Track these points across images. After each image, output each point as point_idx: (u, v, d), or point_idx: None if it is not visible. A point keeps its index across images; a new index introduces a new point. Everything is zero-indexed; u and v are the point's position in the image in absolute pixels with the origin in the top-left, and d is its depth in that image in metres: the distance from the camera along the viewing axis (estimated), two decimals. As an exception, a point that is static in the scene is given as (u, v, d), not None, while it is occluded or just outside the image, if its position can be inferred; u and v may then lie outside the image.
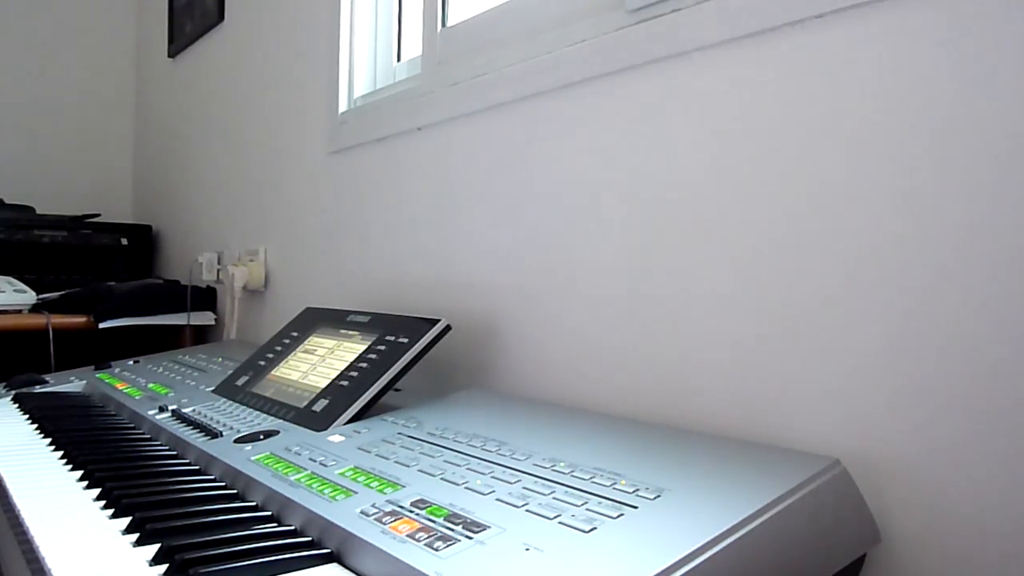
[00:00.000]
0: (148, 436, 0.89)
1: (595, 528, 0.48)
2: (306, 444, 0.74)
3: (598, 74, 0.88)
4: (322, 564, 0.51)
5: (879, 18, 0.64)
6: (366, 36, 1.38)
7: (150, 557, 0.52)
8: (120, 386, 1.14)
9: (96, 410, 1.05)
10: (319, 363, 0.96)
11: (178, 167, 2.18)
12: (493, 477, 0.59)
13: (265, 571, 0.50)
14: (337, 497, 0.58)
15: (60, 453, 0.81)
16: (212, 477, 0.71)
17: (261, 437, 0.78)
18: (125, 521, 0.58)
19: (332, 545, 0.53)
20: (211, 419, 0.88)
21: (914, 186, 0.61)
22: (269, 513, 0.61)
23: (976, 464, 0.57)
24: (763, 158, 0.72)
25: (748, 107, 0.73)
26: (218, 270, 1.79)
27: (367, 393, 0.83)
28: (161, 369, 1.26)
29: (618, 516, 0.50)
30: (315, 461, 0.68)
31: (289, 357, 1.03)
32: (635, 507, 0.51)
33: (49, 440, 0.87)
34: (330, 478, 0.63)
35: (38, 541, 0.54)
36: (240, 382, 1.02)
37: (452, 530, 0.50)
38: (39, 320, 1.57)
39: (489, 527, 0.50)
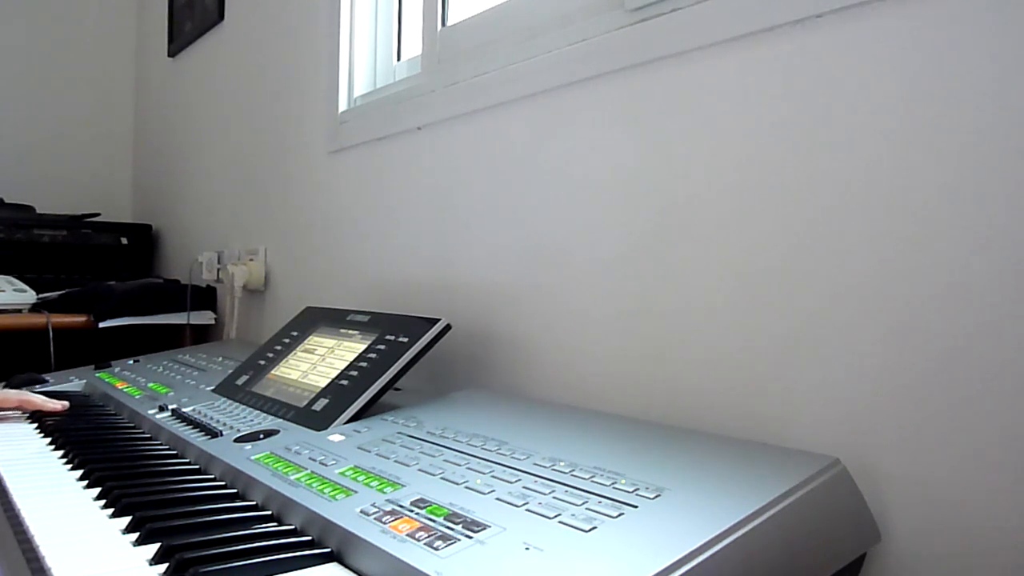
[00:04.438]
0: (148, 435, 0.89)
1: (595, 527, 0.48)
2: (306, 443, 0.74)
3: (598, 74, 0.88)
4: (322, 563, 0.51)
5: (879, 17, 0.64)
6: (366, 36, 1.38)
7: (150, 556, 0.52)
8: (120, 385, 1.14)
9: (96, 409, 1.05)
10: (319, 362, 0.96)
11: (178, 167, 2.18)
12: (493, 476, 0.59)
13: (265, 570, 0.50)
14: (337, 496, 0.58)
15: (60, 452, 0.81)
16: (212, 476, 0.71)
17: (261, 436, 0.78)
18: (125, 520, 0.58)
19: (332, 544, 0.53)
20: (211, 418, 0.88)
21: (914, 186, 0.61)
22: (269, 512, 0.61)
23: (976, 463, 0.57)
24: (763, 157, 0.72)
25: (748, 107, 0.73)
26: (218, 270, 1.79)
27: (367, 392, 0.83)
28: (161, 368, 1.26)
29: (618, 515, 0.50)
30: (315, 460, 0.68)
31: (289, 356, 1.03)
32: (635, 506, 0.51)
33: (49, 440, 0.87)
34: (330, 477, 0.63)
35: (38, 540, 0.54)
36: (240, 381, 1.02)
37: (452, 529, 0.50)
38: (39, 319, 1.57)
39: (489, 526, 0.50)
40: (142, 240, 2.20)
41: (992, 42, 0.57)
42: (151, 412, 0.94)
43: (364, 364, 0.88)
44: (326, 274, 1.42)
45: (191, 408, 0.94)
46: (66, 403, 1.01)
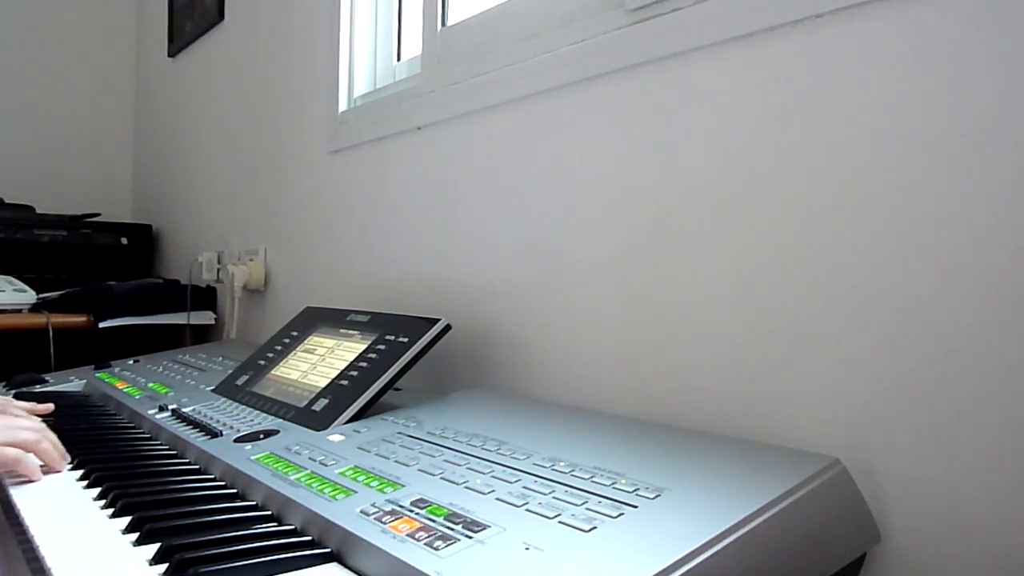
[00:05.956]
0: (148, 435, 0.89)
1: (595, 528, 0.48)
2: (306, 443, 0.74)
3: (598, 74, 0.88)
4: (322, 564, 0.52)
5: (879, 18, 0.64)
6: (366, 36, 1.38)
7: (150, 557, 0.52)
8: (120, 385, 1.14)
9: (96, 410, 1.05)
10: (319, 362, 0.96)
11: (178, 167, 2.18)
12: (493, 476, 0.59)
13: (265, 570, 0.50)
14: (337, 496, 0.58)
15: (60, 452, 0.81)
16: (212, 477, 0.71)
17: (261, 436, 0.78)
18: (125, 521, 0.58)
19: (332, 544, 0.53)
20: (211, 418, 0.88)
21: (914, 186, 0.61)
22: (269, 512, 0.61)
23: (976, 463, 0.57)
24: (762, 158, 0.72)
25: (748, 107, 0.73)
26: (218, 270, 1.79)
27: (367, 392, 0.83)
28: (161, 369, 1.26)
29: (618, 516, 0.50)
30: (315, 460, 0.68)
31: (289, 356, 1.03)
32: (635, 506, 0.51)
33: (53, 435, 0.87)
34: (330, 477, 0.63)
35: (38, 540, 0.54)
36: (240, 381, 1.02)
37: (452, 529, 0.50)
38: (39, 319, 1.57)
39: (489, 526, 0.50)
40: (142, 240, 2.20)
41: (992, 42, 0.57)
42: (151, 412, 0.94)
43: (364, 364, 0.88)
44: (326, 274, 1.42)
45: (191, 408, 0.94)
46: (50, 405, 0.96)
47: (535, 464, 0.61)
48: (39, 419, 0.91)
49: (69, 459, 0.77)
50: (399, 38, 1.37)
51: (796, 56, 0.70)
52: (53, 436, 0.78)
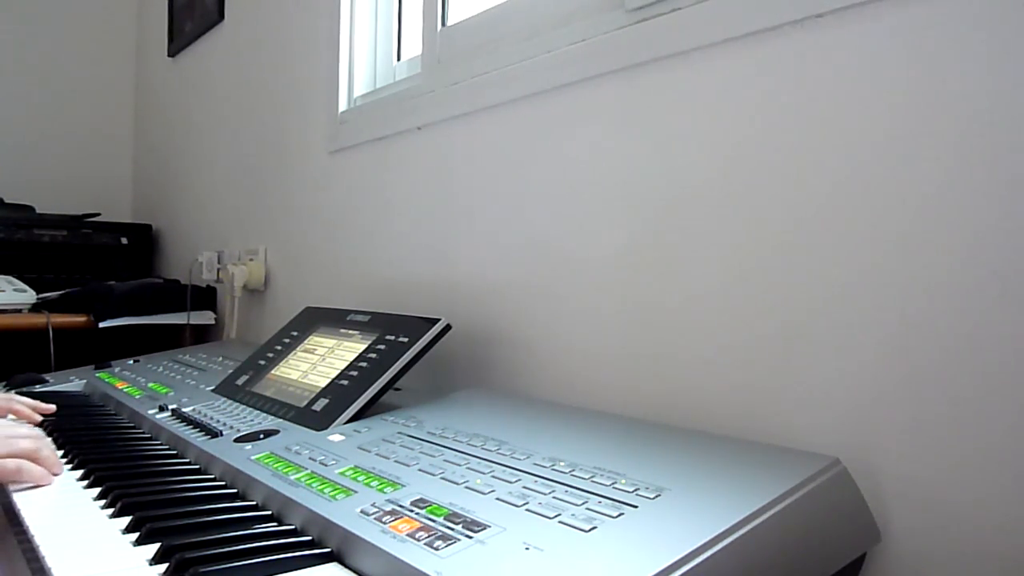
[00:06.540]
0: (148, 435, 0.89)
1: (595, 527, 0.48)
2: (306, 443, 0.74)
3: (598, 74, 0.88)
4: (322, 563, 0.52)
5: (880, 18, 0.64)
6: (366, 36, 1.38)
7: (150, 556, 0.52)
8: (120, 385, 1.14)
9: (96, 409, 1.06)
10: (319, 362, 0.96)
11: (178, 166, 2.18)
12: (493, 476, 0.59)
13: (265, 570, 0.50)
14: (337, 496, 0.58)
15: (60, 452, 0.81)
16: (212, 476, 0.71)
17: (261, 436, 0.78)
18: (125, 520, 0.58)
19: (332, 544, 0.53)
20: (211, 418, 0.88)
21: (915, 185, 0.61)
22: (269, 512, 0.61)
23: (976, 463, 0.57)
24: (762, 157, 0.72)
25: (748, 107, 0.73)
26: (218, 269, 1.79)
27: (367, 392, 0.83)
28: (161, 368, 1.26)
29: (618, 515, 0.50)
30: (315, 460, 0.68)
31: (289, 356, 1.03)
32: (635, 506, 0.51)
33: (49, 440, 0.87)
34: (330, 477, 0.63)
35: (38, 540, 0.54)
36: (240, 381, 1.02)
37: (452, 529, 0.50)
38: (39, 319, 1.57)
39: (489, 526, 0.50)
40: (142, 240, 2.20)
41: (991, 42, 0.57)
42: (151, 412, 0.94)
43: (364, 364, 0.88)
44: (326, 274, 1.42)
45: (191, 408, 0.94)
46: (52, 406, 0.97)
47: (535, 464, 0.61)
48: (36, 425, 0.92)
49: (64, 463, 0.77)
50: (399, 38, 1.37)
51: (796, 56, 0.70)
52: (50, 442, 0.78)
